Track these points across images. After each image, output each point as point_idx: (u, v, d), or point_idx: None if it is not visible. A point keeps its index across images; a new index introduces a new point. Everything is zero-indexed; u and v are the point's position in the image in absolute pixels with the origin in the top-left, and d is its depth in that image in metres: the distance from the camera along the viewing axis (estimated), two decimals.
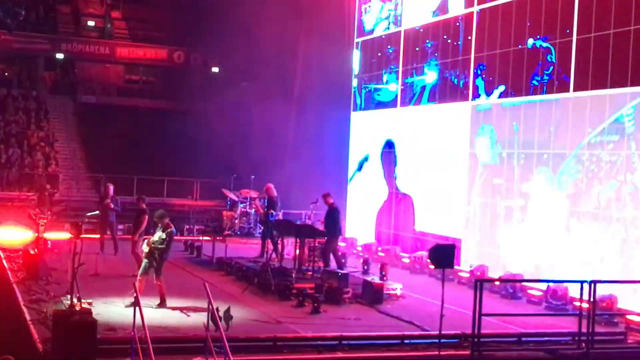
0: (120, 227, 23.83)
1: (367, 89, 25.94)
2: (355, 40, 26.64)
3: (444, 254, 12.41)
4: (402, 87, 23.80)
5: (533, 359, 12.29)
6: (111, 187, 21.28)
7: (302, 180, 25.71)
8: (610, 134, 16.21)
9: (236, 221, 20.91)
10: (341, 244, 22.83)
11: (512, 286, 17.10)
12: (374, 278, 16.52)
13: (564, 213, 17.25)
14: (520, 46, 18.77)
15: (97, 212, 20.28)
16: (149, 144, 33.15)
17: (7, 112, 36.01)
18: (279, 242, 18.65)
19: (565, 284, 15.96)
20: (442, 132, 21.78)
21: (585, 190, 16.74)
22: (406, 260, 21.30)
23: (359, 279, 16.64)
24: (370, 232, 24.76)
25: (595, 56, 16.65)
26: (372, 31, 25.72)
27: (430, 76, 22.46)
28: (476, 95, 20.33)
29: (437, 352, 11.73)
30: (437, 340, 11.92)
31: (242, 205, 21.35)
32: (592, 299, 12.59)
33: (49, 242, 19.30)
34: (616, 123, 16.08)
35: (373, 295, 15.60)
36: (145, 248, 14.43)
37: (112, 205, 20.55)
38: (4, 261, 18.32)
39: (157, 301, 14.09)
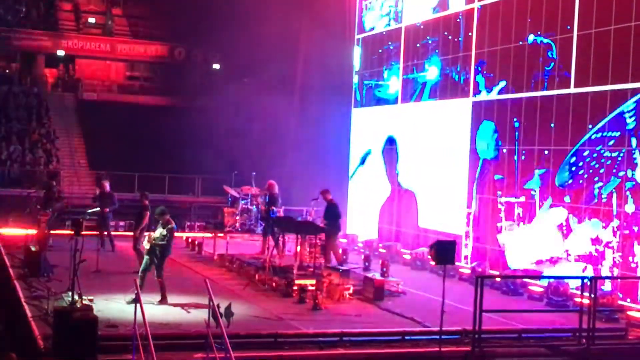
0: (122, 223, 23.89)
1: (368, 86, 25.94)
2: (356, 36, 26.64)
3: (444, 250, 12.41)
4: (403, 84, 23.79)
5: (534, 355, 12.30)
6: (107, 184, 21.29)
7: (303, 177, 25.73)
8: (611, 130, 16.21)
9: (237, 218, 20.90)
10: (342, 240, 22.89)
11: (512, 282, 17.12)
12: (375, 274, 16.52)
13: (565, 209, 17.24)
14: (521, 42, 18.76)
15: (98, 208, 20.29)
16: (149, 140, 33.15)
17: (8, 109, 36.04)
18: (280, 238, 18.65)
19: (566, 280, 15.98)
20: (442, 129, 21.77)
21: (586, 186, 16.75)
22: (407, 257, 21.31)
23: (360, 275, 16.66)
24: (371, 229, 24.77)
25: (596, 52, 16.63)
26: (373, 28, 25.71)
27: (431, 72, 22.46)
28: (477, 92, 20.32)
29: (437, 348, 11.73)
30: (438, 337, 11.92)
31: (243, 202, 21.33)
32: (592, 295, 12.61)
33: (50, 238, 19.33)
34: (617, 119, 16.07)
35: (374, 291, 15.61)
36: (146, 245, 14.45)
37: (107, 210, 20.51)
38: (5, 258, 18.33)
39: (158, 298, 14.10)
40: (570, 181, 17.18)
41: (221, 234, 20.67)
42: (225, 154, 29.16)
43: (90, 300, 12.74)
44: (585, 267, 16.40)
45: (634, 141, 15.67)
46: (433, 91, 22.37)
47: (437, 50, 22.22)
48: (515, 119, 18.88)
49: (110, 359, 10.70)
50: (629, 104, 15.78)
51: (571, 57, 17.24)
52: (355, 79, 26.60)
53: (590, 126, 16.69)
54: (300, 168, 26.53)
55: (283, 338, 11.96)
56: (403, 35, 23.93)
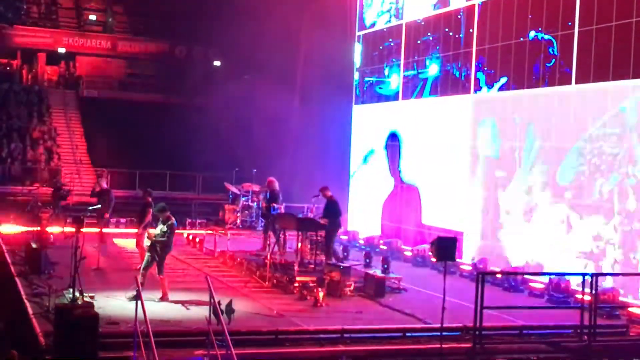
0: (122, 220, 23.90)
1: (368, 82, 25.92)
2: (357, 33, 26.62)
3: (445, 247, 12.40)
4: (404, 80, 23.78)
5: (535, 351, 12.29)
6: (104, 182, 21.31)
7: (304, 174, 25.73)
8: (612, 126, 16.18)
9: (238, 215, 20.89)
10: (343, 237, 22.88)
11: (514, 279, 17.11)
12: (376, 271, 16.52)
13: (566, 206, 17.23)
14: (522, 39, 18.74)
15: (99, 205, 20.28)
16: (151, 137, 33.15)
17: (9, 106, 36.05)
18: (281, 235, 18.65)
19: (567, 277, 15.97)
20: (443, 125, 21.76)
21: (587, 183, 16.73)
22: (408, 253, 21.30)
23: (361, 272, 16.65)
24: (372, 225, 24.76)
25: (597, 48, 16.61)
26: (373, 24, 25.70)
27: (431, 69, 22.44)
28: (478, 88, 20.31)
29: (439, 345, 11.73)
30: (439, 333, 11.93)
31: (244, 199, 21.33)
32: (593, 292, 12.60)
33: (51, 235, 19.34)
34: (618, 115, 16.05)
35: (375, 288, 15.60)
36: (146, 242, 14.44)
37: (107, 215, 20.50)
38: (6, 255, 18.34)
39: (159, 295, 14.09)
40: (571, 177, 17.15)
41: (222, 231, 20.67)
42: (226, 151, 29.18)
43: (91, 298, 12.73)
44: (587, 263, 16.39)
45: (635, 137, 15.65)
46: (434, 87, 22.35)
47: (438, 47, 22.20)
48: (515, 116, 18.88)
49: (111, 356, 10.69)
50: (630, 100, 15.76)
51: (572, 54, 17.22)
52: (356, 75, 26.58)
53: (592, 122, 16.67)
54: (301, 165, 26.52)
55: (284, 335, 11.97)
56: (404, 31, 23.91)
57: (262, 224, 20.28)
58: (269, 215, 19.35)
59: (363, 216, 25.38)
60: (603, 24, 16.42)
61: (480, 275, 12.15)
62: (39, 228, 18.96)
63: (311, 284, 15.32)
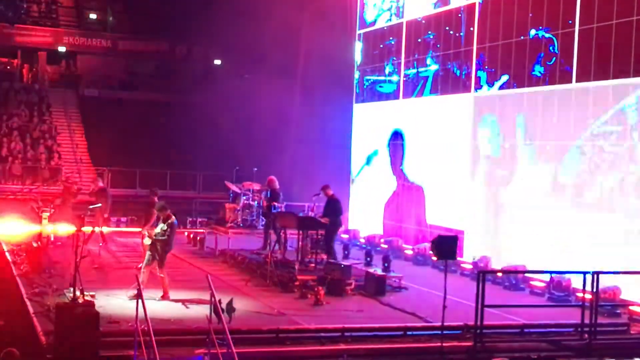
0: (123, 219, 23.92)
1: (369, 81, 25.90)
2: (357, 32, 26.61)
3: (446, 245, 12.40)
4: (404, 79, 23.76)
5: (536, 350, 12.27)
6: (100, 181, 21.35)
7: (304, 172, 25.71)
8: (613, 124, 16.17)
9: (239, 213, 20.88)
10: (344, 235, 22.88)
11: (514, 277, 17.10)
12: (377, 270, 16.52)
13: (567, 204, 17.22)
14: (522, 37, 18.72)
15: (100, 204, 20.28)
16: (151, 136, 33.16)
17: (10, 105, 36.03)
18: (281, 234, 18.65)
19: (567, 275, 15.95)
20: (444, 124, 21.74)
21: (588, 181, 16.72)
22: (409, 252, 21.29)
23: (361, 271, 16.64)
24: (373, 224, 24.74)
25: (597, 47, 16.59)
26: (374, 23, 25.68)
27: (432, 67, 22.42)
28: (478, 87, 20.29)
29: (439, 344, 11.73)
30: (439, 332, 11.91)
31: (244, 198, 21.31)
32: (594, 290, 12.59)
33: (51, 235, 19.33)
34: (619, 114, 16.04)
35: (376, 286, 15.60)
36: (147, 240, 14.44)
37: (107, 214, 20.49)
38: (7, 254, 18.34)
39: (160, 293, 14.09)
40: (572, 176, 17.14)
41: (223, 230, 20.66)
42: (227, 150, 29.17)
43: (92, 296, 12.74)
44: (587, 262, 16.36)
45: (636, 135, 15.64)
46: (434, 86, 22.34)
47: (438, 45, 22.18)
48: (517, 114, 18.86)
49: (112, 355, 10.69)
50: (631, 99, 15.74)
51: (573, 52, 17.21)
52: (357, 74, 26.57)
53: (592, 120, 16.65)
54: (302, 163, 26.50)
55: (284, 333, 11.97)
56: (404, 30, 23.89)
57: (263, 223, 20.27)
58: (270, 214, 19.35)
59: (364, 215, 25.36)
60: (603, 22, 16.40)
61: (481, 274, 12.15)
62: (39, 227, 18.94)
63: (312, 283, 15.32)
